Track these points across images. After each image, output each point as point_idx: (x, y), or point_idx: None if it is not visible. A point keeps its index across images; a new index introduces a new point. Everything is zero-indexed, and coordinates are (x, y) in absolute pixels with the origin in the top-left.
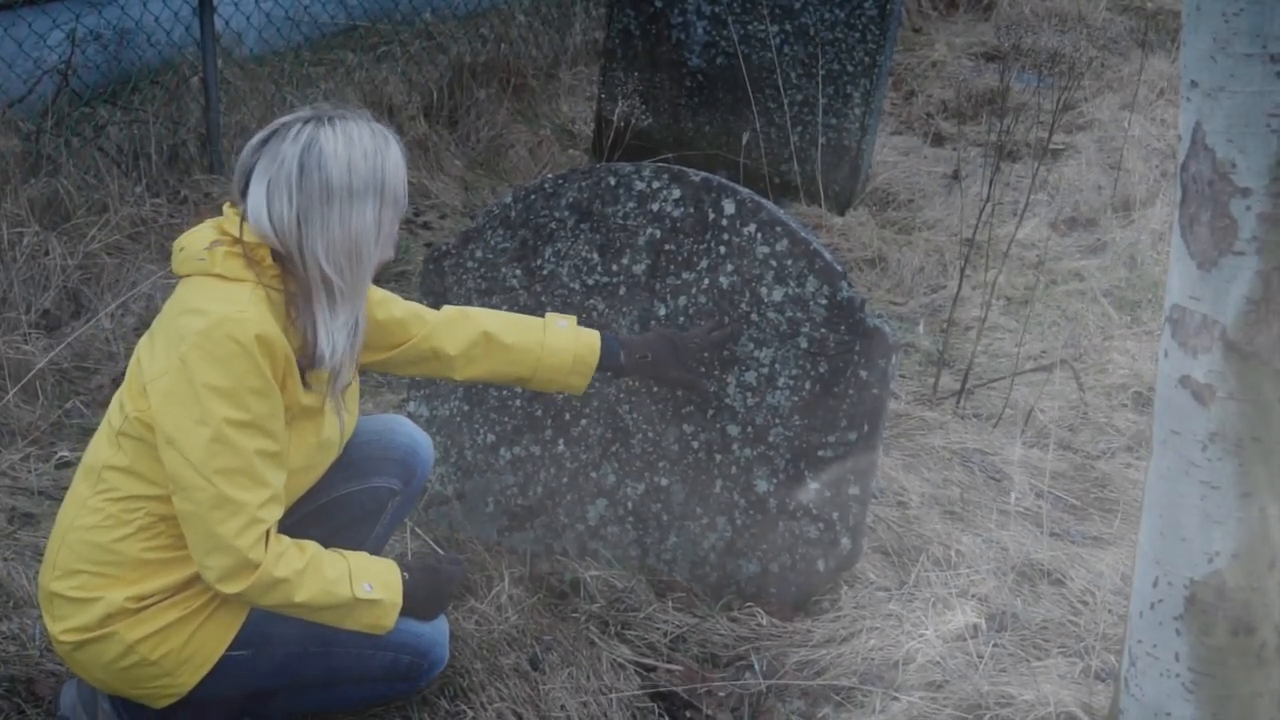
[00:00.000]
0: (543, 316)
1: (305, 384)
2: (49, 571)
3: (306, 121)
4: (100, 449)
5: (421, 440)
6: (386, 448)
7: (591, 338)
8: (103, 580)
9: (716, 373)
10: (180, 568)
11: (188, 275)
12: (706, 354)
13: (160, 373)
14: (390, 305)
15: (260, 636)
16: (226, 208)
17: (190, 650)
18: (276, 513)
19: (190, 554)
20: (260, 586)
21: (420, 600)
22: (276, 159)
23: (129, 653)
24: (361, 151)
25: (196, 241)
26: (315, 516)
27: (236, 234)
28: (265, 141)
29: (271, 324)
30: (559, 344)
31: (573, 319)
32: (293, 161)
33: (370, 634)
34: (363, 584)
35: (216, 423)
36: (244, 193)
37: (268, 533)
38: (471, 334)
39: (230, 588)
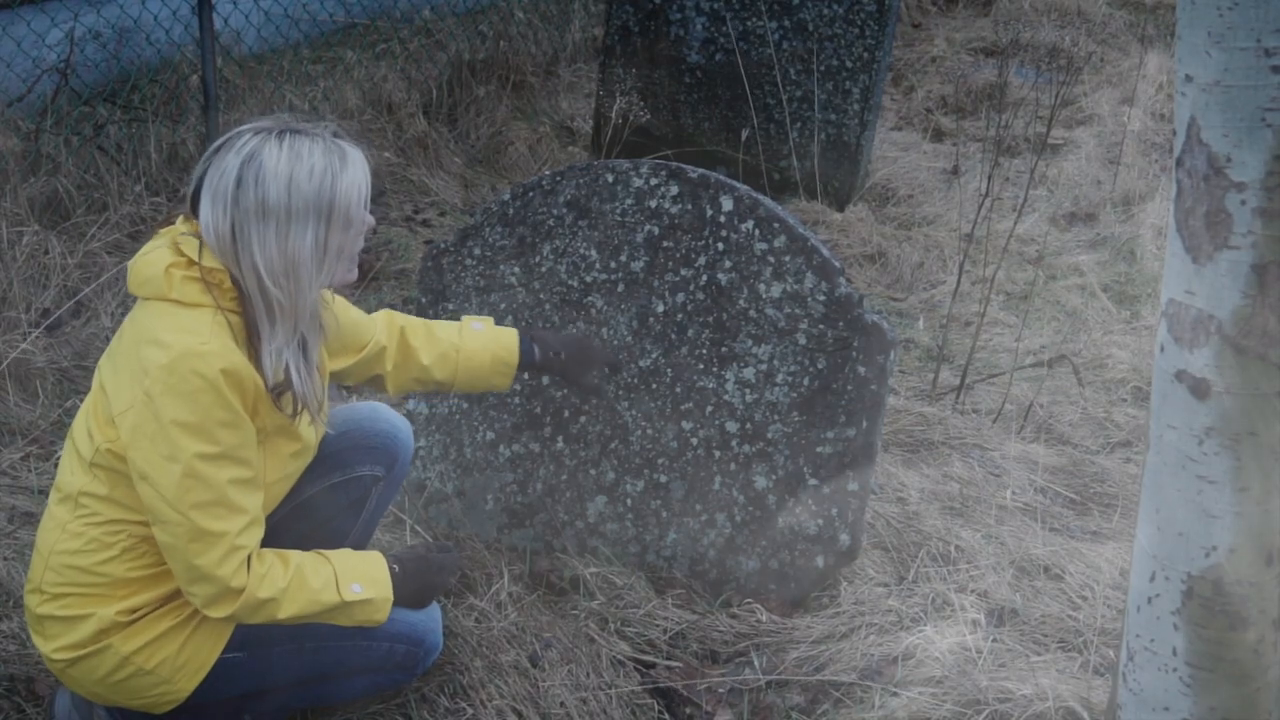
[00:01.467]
0: (506, 316)
1: (279, 406)
2: (35, 595)
3: (258, 133)
4: (74, 475)
5: (401, 425)
6: (367, 435)
7: (508, 337)
8: (92, 599)
9: (715, 369)
10: (167, 581)
11: (145, 298)
12: (606, 369)
13: (126, 406)
14: (346, 307)
15: (254, 637)
16: (180, 221)
17: (185, 656)
18: (257, 535)
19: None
20: (246, 609)
21: (411, 591)
22: (220, 169)
23: (125, 664)
24: (307, 170)
25: (152, 264)
26: (300, 511)
27: (194, 255)
28: (217, 150)
29: (236, 354)
30: (474, 345)
31: (489, 320)
32: (231, 174)
33: (365, 627)
34: (351, 585)
35: (187, 459)
36: (195, 203)
37: (250, 557)
38: (393, 330)
39: (217, 612)
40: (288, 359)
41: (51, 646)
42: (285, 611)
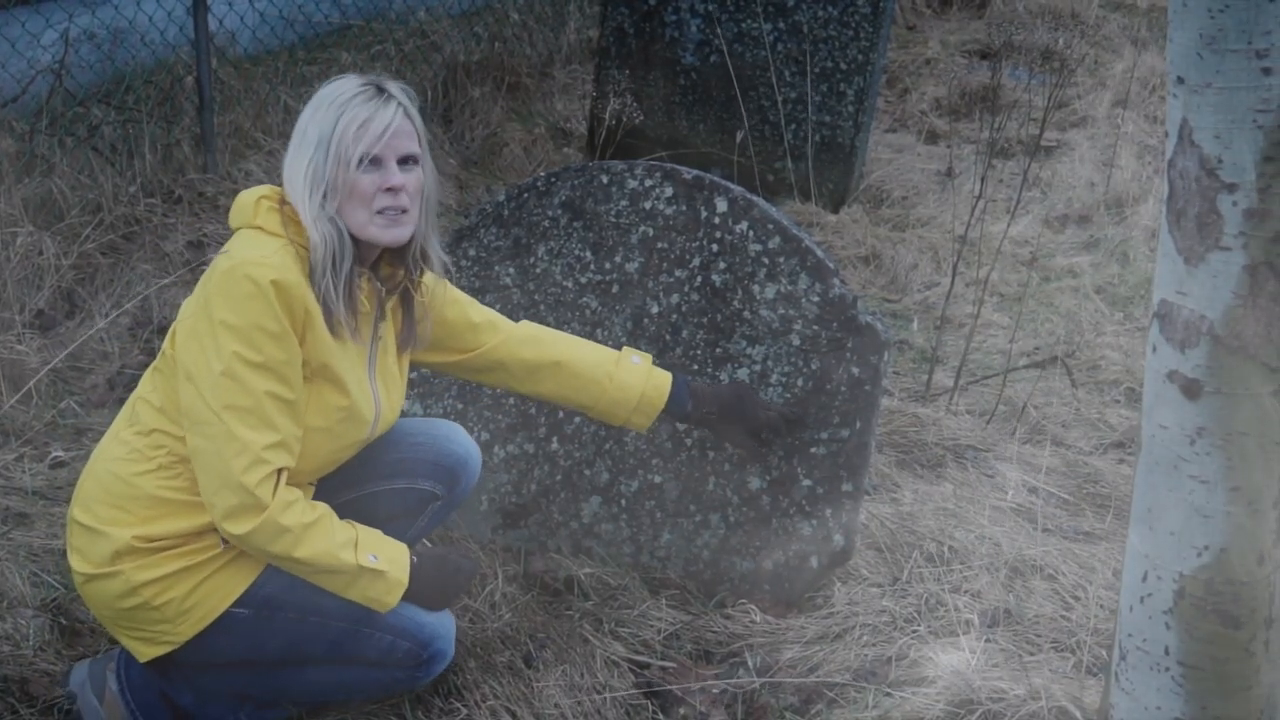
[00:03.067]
0: (618, 347)
1: (333, 332)
2: (75, 500)
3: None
4: (143, 384)
5: (474, 452)
6: (439, 454)
7: (662, 380)
8: (116, 513)
9: (710, 370)
10: (192, 514)
11: (237, 228)
12: (768, 433)
13: (189, 314)
14: (466, 308)
15: (262, 598)
16: None
17: (193, 601)
18: (284, 459)
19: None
20: (265, 532)
21: (427, 586)
22: None
23: (133, 594)
24: (329, 99)
25: (249, 195)
26: (355, 504)
27: (283, 194)
28: None
29: (294, 273)
30: (628, 380)
31: (648, 357)
32: None
33: (371, 610)
34: (368, 554)
35: (228, 357)
36: None
37: (278, 477)
38: (541, 359)
39: (236, 527)
40: (323, 229)
41: (75, 559)
42: (302, 550)
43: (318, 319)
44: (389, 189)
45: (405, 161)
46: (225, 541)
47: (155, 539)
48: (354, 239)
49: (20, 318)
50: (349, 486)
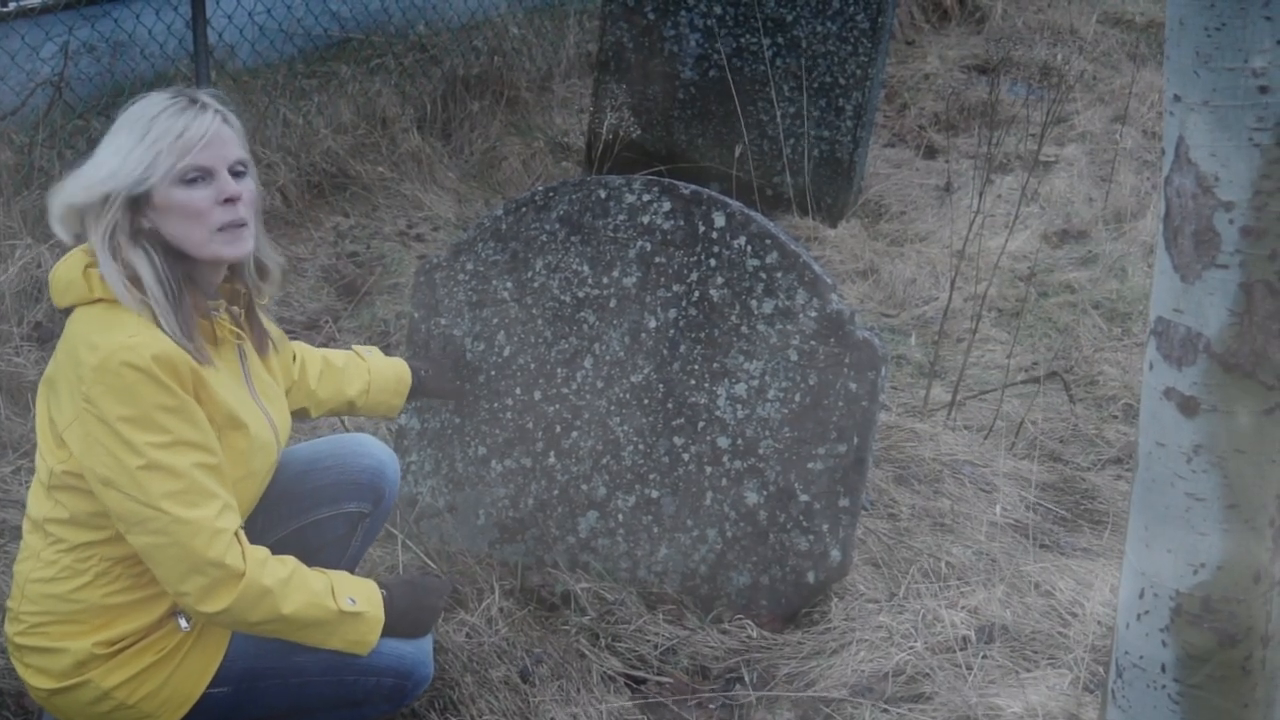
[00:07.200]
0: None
1: (210, 361)
2: (13, 624)
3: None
4: (39, 503)
5: (387, 459)
6: (353, 471)
7: (399, 361)
8: (68, 628)
9: (707, 384)
10: (146, 609)
11: (70, 307)
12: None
13: (71, 419)
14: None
15: (238, 672)
16: None
17: (169, 691)
18: (235, 520)
19: (156, 591)
20: (248, 597)
21: (403, 616)
22: None
23: (106, 698)
24: (133, 118)
25: (70, 269)
26: (287, 543)
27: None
28: None
29: (165, 341)
30: (380, 365)
31: (376, 349)
32: None
33: (352, 656)
34: (346, 597)
35: (142, 449)
36: None
37: (239, 540)
38: (315, 367)
39: (215, 604)
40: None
41: (32, 678)
42: (288, 605)
43: (200, 371)
44: (227, 200)
45: (236, 169)
46: (186, 622)
47: (116, 641)
48: (193, 261)
49: (18, 330)
50: (273, 528)
